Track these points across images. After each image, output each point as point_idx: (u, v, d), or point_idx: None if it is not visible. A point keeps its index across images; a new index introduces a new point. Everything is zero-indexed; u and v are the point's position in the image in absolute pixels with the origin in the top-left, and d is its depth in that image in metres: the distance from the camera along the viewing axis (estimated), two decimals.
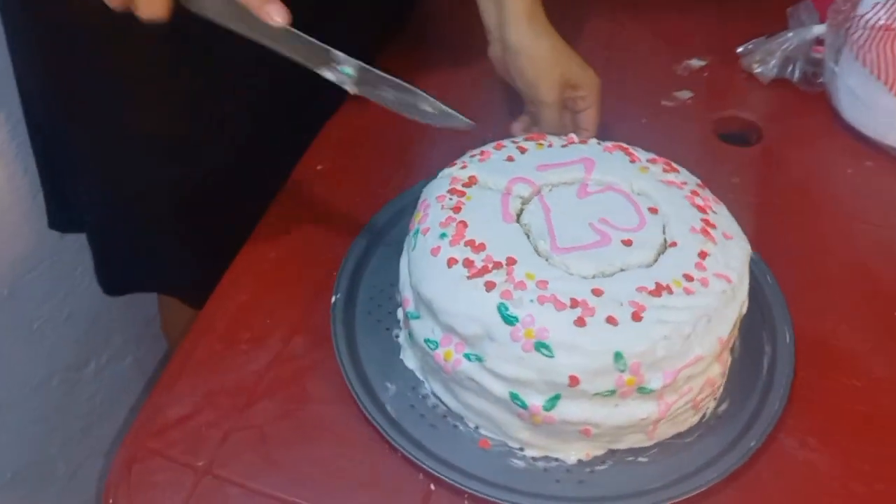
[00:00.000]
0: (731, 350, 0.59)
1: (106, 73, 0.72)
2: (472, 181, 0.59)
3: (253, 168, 0.77)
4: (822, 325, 0.63)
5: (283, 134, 0.80)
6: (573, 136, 0.65)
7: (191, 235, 0.81)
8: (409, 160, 0.76)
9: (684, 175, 0.61)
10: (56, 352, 1.11)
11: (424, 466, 0.53)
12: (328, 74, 0.56)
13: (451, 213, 0.57)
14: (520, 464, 0.54)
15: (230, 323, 0.63)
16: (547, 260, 0.54)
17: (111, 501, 0.53)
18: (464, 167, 0.61)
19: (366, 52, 0.86)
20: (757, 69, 0.84)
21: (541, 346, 0.50)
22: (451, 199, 0.58)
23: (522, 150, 0.62)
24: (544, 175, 0.60)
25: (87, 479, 1.19)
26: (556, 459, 0.54)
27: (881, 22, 0.73)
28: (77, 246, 1.00)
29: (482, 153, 0.62)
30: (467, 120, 0.57)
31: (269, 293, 0.65)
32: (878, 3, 0.74)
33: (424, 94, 0.57)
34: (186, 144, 0.76)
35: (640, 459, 0.54)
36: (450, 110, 0.57)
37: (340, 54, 0.56)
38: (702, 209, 0.58)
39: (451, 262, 0.54)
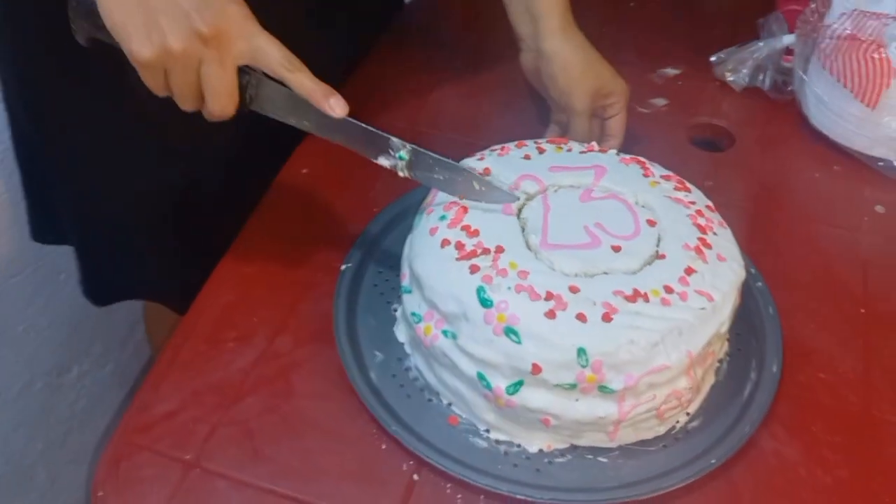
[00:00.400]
0: (717, 371, 0.61)
1: (89, 86, 0.72)
2: (486, 172, 0.62)
3: (239, 175, 0.78)
4: (791, 323, 0.65)
5: (268, 142, 0.81)
6: (594, 144, 0.67)
7: (178, 242, 0.82)
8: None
9: (696, 195, 0.63)
10: (38, 357, 1.11)
11: (386, 427, 0.56)
12: (383, 161, 0.59)
13: (456, 199, 0.59)
14: (482, 444, 0.56)
15: (216, 323, 0.64)
16: (535, 254, 0.56)
17: (100, 495, 0.54)
18: (481, 159, 0.64)
19: (354, 54, 0.88)
20: (729, 77, 0.87)
21: (510, 332, 0.52)
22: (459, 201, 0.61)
23: (541, 151, 0.65)
24: (554, 176, 0.62)
25: (68, 485, 1.19)
26: (519, 446, 0.56)
27: (847, 32, 0.76)
28: (60, 252, 1.00)
29: (503, 148, 0.65)
30: (512, 193, 0.60)
31: (255, 293, 0.66)
32: (843, 14, 0.77)
33: (473, 173, 0.60)
34: (173, 153, 0.77)
35: (600, 459, 0.56)
36: (495, 184, 0.59)
37: (396, 140, 0.58)
38: (702, 229, 0.59)
39: (445, 242, 0.57)
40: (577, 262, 0.56)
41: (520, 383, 0.53)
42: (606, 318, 0.52)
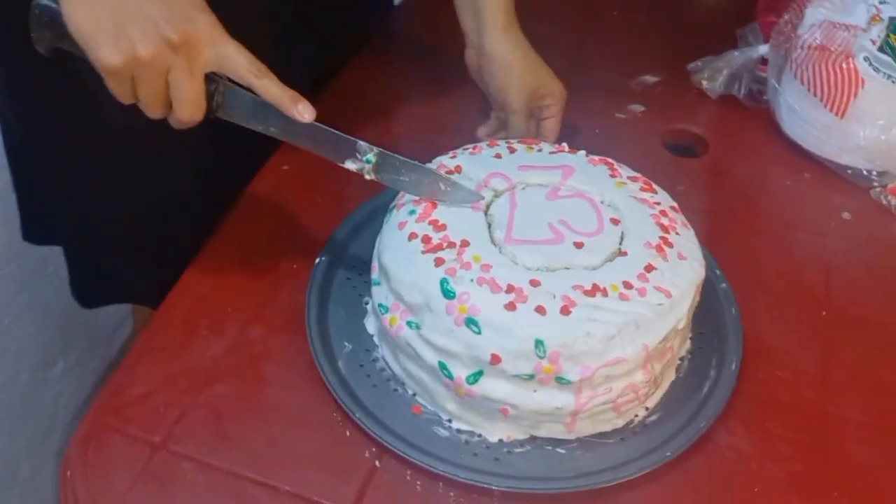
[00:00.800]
0: (678, 368, 0.62)
1: (77, 90, 0.71)
2: (457, 170, 0.64)
3: (222, 180, 0.79)
4: (754, 324, 0.66)
5: (250, 145, 0.82)
6: (565, 144, 0.68)
7: (165, 247, 0.82)
8: None
9: (661, 196, 0.64)
10: (24, 351, 1.12)
11: (350, 414, 0.57)
12: (350, 165, 0.60)
13: (429, 205, 0.61)
14: (444, 433, 0.58)
15: (191, 311, 0.66)
16: (499, 248, 0.58)
17: (68, 475, 0.55)
18: (454, 157, 0.65)
19: (335, 60, 0.90)
20: (705, 85, 0.88)
21: (470, 323, 0.54)
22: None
23: (512, 150, 0.67)
24: (523, 174, 0.64)
25: (51, 479, 1.20)
26: (479, 436, 0.58)
27: (817, 42, 0.78)
28: (48, 247, 1.01)
29: (475, 147, 0.67)
30: (477, 192, 0.61)
31: (231, 285, 0.68)
32: (814, 25, 0.78)
33: (439, 174, 0.61)
34: (160, 158, 0.77)
35: (559, 450, 0.57)
36: (461, 185, 0.61)
37: (363, 143, 0.60)
38: (665, 228, 0.61)
39: (412, 236, 0.58)
40: (539, 256, 0.57)
41: (479, 373, 0.55)
42: (565, 310, 0.54)
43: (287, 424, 0.58)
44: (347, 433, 0.58)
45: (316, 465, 0.56)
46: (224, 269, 0.69)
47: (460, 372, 0.55)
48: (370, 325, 0.64)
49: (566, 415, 0.56)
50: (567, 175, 0.64)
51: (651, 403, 0.60)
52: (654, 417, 0.60)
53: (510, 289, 0.54)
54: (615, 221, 0.61)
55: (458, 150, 0.67)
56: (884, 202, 0.78)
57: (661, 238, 0.60)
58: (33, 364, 1.14)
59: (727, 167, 0.83)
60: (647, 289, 0.56)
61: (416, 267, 0.57)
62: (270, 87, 0.55)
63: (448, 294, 0.55)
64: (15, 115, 0.80)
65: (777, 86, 0.83)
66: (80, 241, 0.86)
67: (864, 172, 0.79)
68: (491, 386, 0.55)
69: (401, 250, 0.58)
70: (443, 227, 0.59)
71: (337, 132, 0.59)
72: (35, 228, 0.91)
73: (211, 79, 0.56)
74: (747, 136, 0.86)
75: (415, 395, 0.60)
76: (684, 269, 0.59)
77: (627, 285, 0.56)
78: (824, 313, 0.69)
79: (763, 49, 0.85)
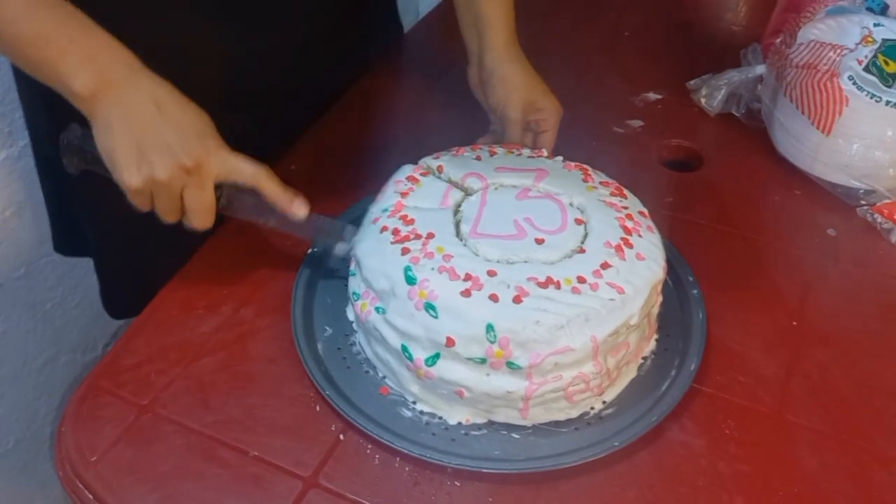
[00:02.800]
0: (640, 367, 0.65)
1: None
2: (438, 169, 0.69)
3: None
4: (722, 329, 0.69)
5: (267, 151, 0.86)
6: (543, 150, 0.72)
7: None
8: (379, 165, 0.84)
9: (631, 201, 0.67)
10: (64, 334, 1.21)
11: (321, 390, 0.62)
12: (341, 247, 0.68)
13: (399, 197, 0.66)
14: (408, 413, 0.62)
15: (190, 292, 0.71)
16: (463, 241, 0.62)
17: (63, 430, 0.61)
18: (436, 157, 0.70)
19: (344, 83, 0.94)
20: (704, 103, 0.91)
21: (429, 307, 0.58)
22: (405, 184, 0.67)
23: (492, 153, 0.71)
24: (498, 175, 0.68)
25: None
26: (440, 418, 0.61)
27: (804, 61, 0.80)
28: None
29: (458, 150, 0.72)
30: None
31: (231, 271, 0.73)
32: (802, 44, 0.80)
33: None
34: None
35: (514, 435, 0.61)
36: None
37: (350, 227, 0.67)
38: (627, 230, 0.63)
39: (384, 229, 0.63)
40: (499, 250, 0.61)
41: (437, 356, 0.59)
42: (517, 299, 0.57)
43: (263, 397, 0.63)
44: (317, 408, 0.62)
45: (284, 435, 0.61)
46: (227, 257, 0.75)
47: (420, 354, 0.59)
48: (350, 313, 0.68)
49: (518, 399, 0.59)
50: (540, 178, 0.68)
51: (609, 398, 0.63)
52: (609, 411, 0.62)
53: (468, 277, 0.58)
54: (579, 222, 0.64)
55: (442, 152, 0.71)
56: (870, 220, 0.79)
57: (623, 239, 0.63)
58: (72, 347, 1.22)
59: (718, 182, 0.85)
60: (600, 284, 0.59)
61: (384, 256, 0.61)
62: (273, 189, 0.65)
63: (410, 280, 0.59)
64: (46, 129, 0.84)
65: (771, 104, 0.85)
66: (110, 253, 0.90)
67: (852, 190, 0.80)
68: (447, 368, 0.59)
69: (372, 241, 0.63)
70: (412, 222, 0.63)
71: (327, 219, 0.68)
72: (66, 240, 0.96)
73: (217, 186, 0.64)
74: (742, 152, 0.88)
75: (384, 377, 0.64)
76: (641, 269, 0.61)
77: (581, 280, 0.59)
78: (795, 323, 0.70)
79: (760, 69, 0.88)
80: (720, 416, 0.63)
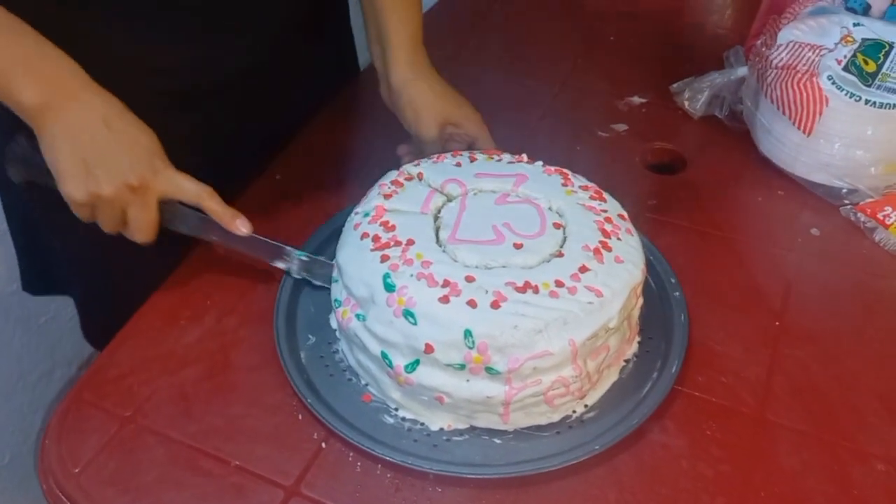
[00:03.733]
0: (622, 370, 0.65)
1: None
2: (419, 176, 0.69)
3: None
4: (704, 331, 0.69)
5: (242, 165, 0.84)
6: (524, 155, 0.71)
7: None
8: (363, 175, 0.84)
9: (610, 204, 0.67)
10: (58, 348, 1.21)
11: (303, 398, 0.62)
12: (280, 264, 0.71)
13: (382, 199, 0.66)
14: (390, 420, 0.62)
15: (173, 304, 0.72)
16: (442, 247, 0.62)
17: (46, 442, 0.61)
18: (417, 164, 0.71)
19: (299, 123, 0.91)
20: (687, 106, 0.91)
21: (408, 314, 0.58)
22: (389, 187, 0.68)
23: (472, 160, 0.71)
24: (477, 181, 0.68)
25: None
26: (422, 424, 0.62)
27: (784, 62, 0.80)
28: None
29: (439, 157, 0.71)
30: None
31: (214, 282, 0.73)
32: (781, 45, 0.81)
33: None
34: None
35: (495, 440, 0.61)
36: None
37: (289, 248, 0.71)
38: (606, 233, 0.63)
39: (364, 235, 0.64)
40: (477, 255, 0.61)
41: (416, 362, 0.59)
42: (495, 304, 0.58)
43: (245, 406, 0.63)
44: (300, 416, 0.63)
45: (266, 444, 0.61)
46: (210, 268, 0.75)
47: (399, 361, 0.59)
48: (332, 321, 0.69)
49: (498, 404, 0.59)
50: (519, 182, 0.68)
51: (590, 401, 0.63)
52: (591, 414, 0.63)
53: (446, 283, 0.59)
54: (557, 226, 0.64)
55: (423, 160, 0.71)
56: (853, 219, 0.79)
57: (601, 242, 0.63)
58: (67, 361, 1.23)
59: (701, 183, 0.85)
60: (578, 288, 0.59)
61: (363, 263, 0.62)
62: (215, 208, 0.66)
63: (389, 287, 0.59)
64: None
65: (752, 106, 0.85)
66: (89, 287, 0.90)
67: (835, 190, 0.80)
68: (427, 375, 0.59)
69: (353, 248, 0.63)
70: (392, 228, 0.63)
71: (268, 241, 0.70)
72: (37, 280, 0.95)
73: (162, 201, 0.65)
74: (725, 154, 0.88)
75: (367, 384, 0.64)
76: (619, 272, 0.61)
77: (559, 283, 0.59)
78: (777, 324, 0.70)
79: (742, 71, 0.88)
80: (701, 417, 0.63)
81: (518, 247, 0.62)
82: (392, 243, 0.62)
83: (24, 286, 0.97)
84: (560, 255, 0.62)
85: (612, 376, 0.65)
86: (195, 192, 0.66)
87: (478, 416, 0.61)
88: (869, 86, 0.77)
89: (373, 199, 0.67)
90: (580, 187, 0.68)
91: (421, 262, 0.60)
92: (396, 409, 0.63)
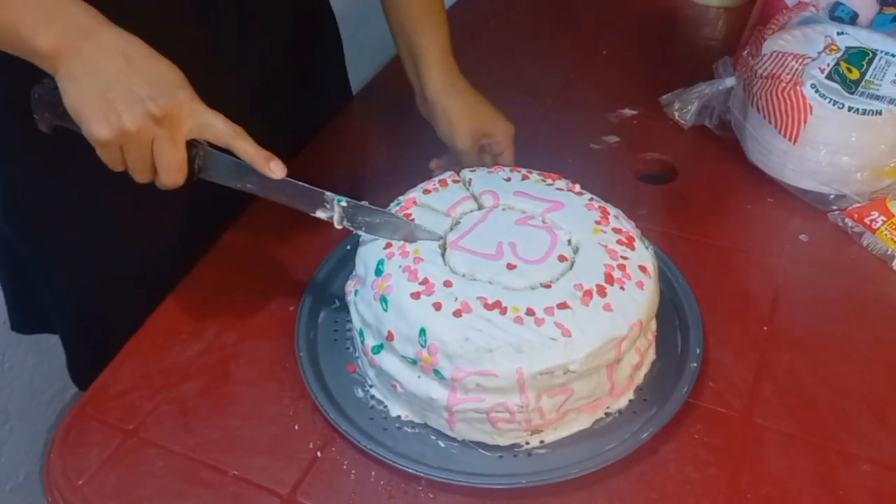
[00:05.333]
0: (596, 421, 0.63)
1: (65, 178, 0.76)
2: (468, 181, 0.71)
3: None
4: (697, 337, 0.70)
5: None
6: (578, 185, 0.70)
7: None
8: (357, 198, 0.85)
9: (637, 254, 0.64)
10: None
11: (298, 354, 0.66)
12: (321, 214, 0.65)
13: (419, 193, 0.69)
14: (360, 394, 0.66)
15: (174, 321, 0.74)
16: (443, 249, 0.64)
17: (52, 456, 0.63)
18: (473, 171, 0.72)
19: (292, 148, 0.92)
20: (677, 116, 0.92)
21: (382, 300, 0.61)
22: (433, 184, 0.71)
23: (524, 178, 0.71)
24: (513, 198, 0.68)
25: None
26: (385, 407, 0.65)
27: (768, 71, 0.81)
28: None
29: (496, 168, 0.73)
30: (436, 233, 0.65)
31: (214, 298, 0.75)
32: (765, 55, 0.82)
33: (400, 217, 0.66)
34: (153, 237, 0.81)
35: (440, 443, 0.62)
36: (422, 227, 0.65)
37: (330, 194, 0.65)
38: (609, 279, 0.61)
39: None
40: (468, 265, 0.62)
41: (381, 346, 0.62)
42: (457, 313, 0.59)
43: (243, 418, 0.65)
44: (296, 427, 0.64)
45: (263, 454, 0.63)
46: (210, 284, 0.77)
47: (369, 341, 0.63)
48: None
49: (442, 408, 0.60)
50: (552, 209, 0.67)
51: (549, 439, 0.62)
52: (542, 451, 0.61)
53: (424, 281, 0.61)
54: (563, 258, 0.63)
55: (480, 168, 0.73)
56: (841, 225, 0.80)
57: (598, 286, 0.60)
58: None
59: (691, 192, 0.87)
60: (547, 321, 0.58)
61: (371, 246, 0.66)
62: (247, 148, 0.61)
63: (378, 272, 0.63)
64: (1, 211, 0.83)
65: (740, 115, 0.86)
66: (75, 327, 0.89)
67: (823, 196, 0.81)
68: (387, 361, 0.62)
69: (371, 237, 0.67)
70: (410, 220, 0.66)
71: (307, 185, 0.64)
72: (25, 319, 0.94)
73: (192, 145, 0.61)
74: (715, 163, 0.90)
75: (357, 356, 0.67)
76: (601, 320, 0.59)
77: (529, 312, 0.58)
78: (765, 328, 0.71)
79: (730, 81, 0.89)
80: (689, 422, 0.64)
81: (510, 267, 0.62)
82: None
83: (12, 326, 0.97)
84: (547, 286, 0.61)
85: (580, 423, 0.63)
86: (225, 130, 0.61)
87: (427, 415, 0.62)
88: (852, 93, 0.79)
89: (411, 192, 0.70)
90: (613, 229, 0.66)
91: (413, 258, 0.63)
92: (371, 386, 0.66)
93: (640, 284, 0.62)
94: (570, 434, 0.62)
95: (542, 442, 0.62)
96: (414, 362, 0.59)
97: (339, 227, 0.66)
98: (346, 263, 0.73)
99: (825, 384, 0.67)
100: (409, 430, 0.63)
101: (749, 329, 0.71)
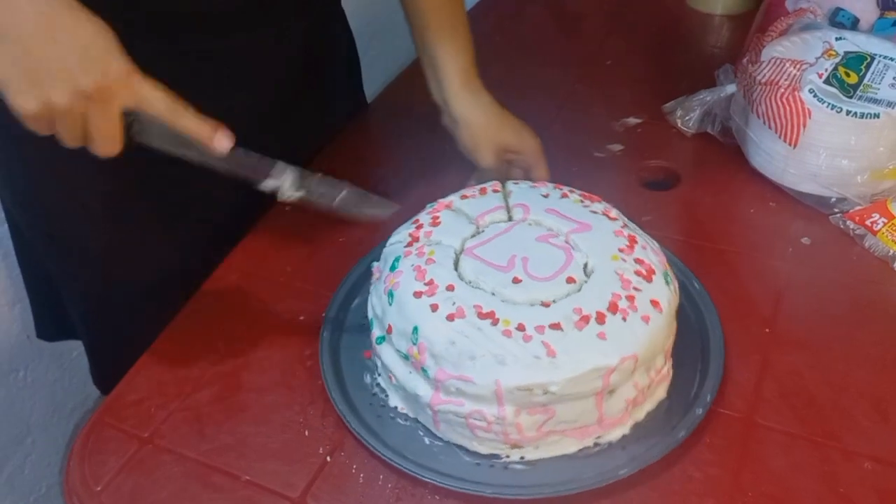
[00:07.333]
0: (582, 448, 0.62)
1: (88, 188, 0.77)
2: (494, 189, 0.72)
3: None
4: None
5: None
6: (613, 210, 0.69)
7: None
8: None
9: (653, 287, 0.62)
10: (90, 381, 1.26)
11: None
12: (270, 183, 0.62)
13: (456, 198, 0.71)
14: (367, 380, 0.69)
15: (189, 331, 0.76)
16: (457, 254, 0.66)
17: (70, 464, 0.65)
18: (516, 183, 0.73)
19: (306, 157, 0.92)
20: (680, 124, 0.94)
21: (390, 294, 0.64)
22: (473, 191, 0.72)
23: (563, 196, 0.70)
24: (543, 215, 0.68)
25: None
26: (386, 396, 0.67)
27: (767, 78, 0.82)
28: None
29: (540, 183, 0.73)
30: (389, 202, 0.65)
31: (226, 308, 0.77)
32: (764, 62, 0.83)
33: (352, 186, 0.64)
34: (176, 238, 0.83)
35: (426, 440, 0.64)
36: (373, 196, 0.64)
37: (281, 162, 0.62)
38: (613, 308, 0.59)
39: (416, 221, 0.69)
40: (476, 273, 0.63)
41: (383, 338, 0.65)
42: (450, 317, 0.60)
43: (255, 425, 0.67)
44: (306, 433, 0.66)
45: (274, 459, 0.64)
46: (222, 296, 0.79)
47: (376, 331, 0.65)
48: None
49: (426, 406, 0.62)
50: (577, 230, 0.66)
51: (529, 456, 0.62)
52: (518, 466, 0.62)
53: (429, 283, 0.62)
54: (571, 280, 0.62)
55: (523, 181, 0.73)
56: (842, 227, 0.80)
57: (598, 313, 0.59)
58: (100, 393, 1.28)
59: (695, 198, 0.88)
60: (535, 338, 0.58)
61: (395, 246, 0.68)
62: (188, 124, 0.58)
63: (393, 267, 0.65)
64: (24, 216, 0.85)
65: (741, 121, 0.87)
66: (98, 332, 0.90)
67: (824, 199, 0.82)
68: (386, 353, 0.64)
69: (400, 234, 0.69)
70: (436, 223, 0.68)
71: (253, 154, 0.61)
72: (50, 326, 0.95)
73: (128, 112, 0.57)
74: (718, 169, 0.91)
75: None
76: (590, 347, 0.58)
77: (520, 327, 0.59)
78: (767, 331, 0.72)
79: (731, 88, 0.90)
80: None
81: (516, 281, 0.62)
82: (423, 235, 0.67)
83: (38, 333, 0.98)
84: (547, 304, 0.61)
85: (565, 447, 0.62)
86: (163, 106, 0.57)
87: (418, 411, 0.64)
88: (850, 97, 0.80)
89: (450, 196, 0.71)
90: (635, 259, 0.64)
91: (427, 259, 0.65)
92: (378, 375, 0.68)
93: (645, 318, 0.60)
94: (552, 456, 0.62)
95: (522, 458, 0.62)
96: (406, 357, 0.62)
97: (284, 198, 0.63)
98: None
99: (827, 383, 0.68)
100: (401, 421, 0.65)
101: (751, 331, 0.72)
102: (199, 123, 0.59)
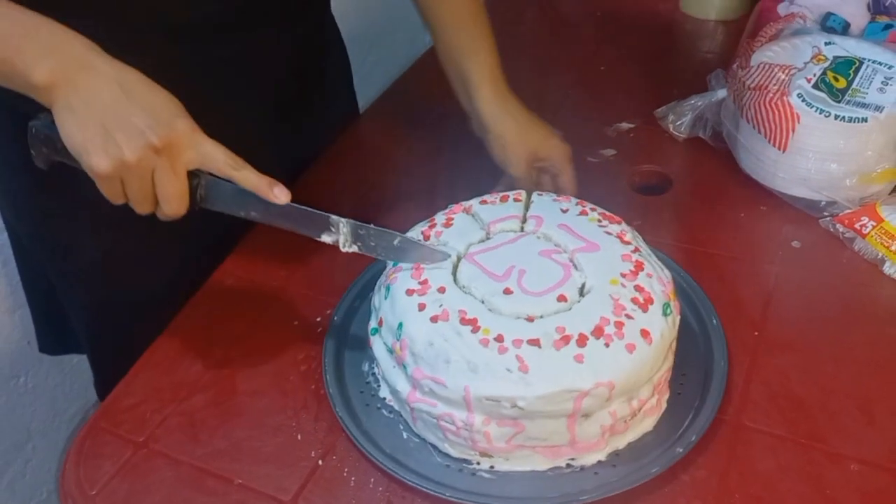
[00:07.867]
0: (554, 468, 0.62)
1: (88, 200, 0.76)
2: (515, 198, 0.71)
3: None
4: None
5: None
6: (627, 233, 0.68)
7: None
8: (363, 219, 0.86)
9: (646, 317, 0.61)
10: (91, 387, 1.27)
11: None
12: (326, 238, 0.65)
13: (476, 203, 0.71)
14: (365, 369, 0.71)
15: (184, 337, 0.77)
16: (459, 258, 0.66)
17: (66, 468, 0.66)
18: (541, 194, 0.73)
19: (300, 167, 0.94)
20: (672, 129, 0.94)
21: (387, 289, 0.66)
22: (494, 198, 0.72)
23: (581, 213, 0.70)
24: (554, 230, 0.68)
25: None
26: (378, 387, 0.69)
27: (756, 83, 0.83)
28: None
29: (565, 198, 0.72)
30: (445, 252, 0.65)
31: (222, 313, 0.78)
32: (753, 67, 0.84)
33: (407, 237, 0.67)
34: (177, 249, 0.82)
35: (404, 434, 0.66)
36: (428, 246, 0.66)
37: (335, 217, 0.65)
38: (598, 332, 0.59)
39: (430, 219, 0.71)
40: (470, 279, 0.64)
41: (376, 329, 0.66)
42: (434, 319, 0.61)
43: (248, 429, 0.68)
44: (299, 437, 0.67)
45: (267, 463, 0.65)
46: (220, 301, 0.80)
47: (372, 322, 0.67)
48: None
49: (404, 402, 0.63)
50: (584, 249, 0.66)
51: (500, 467, 0.62)
52: (487, 476, 0.62)
53: (423, 282, 0.64)
54: (562, 298, 0.62)
55: (545, 193, 0.73)
56: (832, 231, 0.81)
57: (580, 335, 0.59)
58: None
59: (686, 202, 0.88)
60: (510, 351, 0.58)
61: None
62: (249, 177, 0.61)
63: (395, 262, 0.67)
64: (26, 231, 0.87)
65: (732, 126, 0.88)
66: (102, 344, 0.91)
67: (814, 203, 0.83)
68: (377, 344, 0.66)
69: (420, 225, 0.71)
70: (448, 224, 0.69)
71: (311, 209, 0.64)
72: (53, 340, 0.97)
73: (194, 174, 0.62)
74: (709, 173, 0.91)
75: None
76: (566, 368, 0.58)
77: (498, 338, 0.59)
78: (756, 334, 0.73)
79: (722, 93, 0.91)
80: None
81: (507, 292, 0.62)
82: (433, 235, 0.69)
83: (40, 348, 0.99)
84: (530, 319, 0.60)
85: (535, 463, 0.62)
86: (225, 160, 0.61)
87: (402, 405, 0.65)
88: (839, 101, 0.80)
89: (471, 200, 0.72)
90: (635, 286, 0.63)
91: None
92: (376, 365, 0.68)
93: (629, 347, 0.59)
94: (522, 470, 0.62)
95: (491, 467, 0.62)
96: (391, 351, 0.63)
97: (344, 250, 0.66)
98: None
99: (816, 386, 0.68)
100: (385, 413, 0.67)
101: (740, 334, 0.73)
102: (258, 177, 0.62)
